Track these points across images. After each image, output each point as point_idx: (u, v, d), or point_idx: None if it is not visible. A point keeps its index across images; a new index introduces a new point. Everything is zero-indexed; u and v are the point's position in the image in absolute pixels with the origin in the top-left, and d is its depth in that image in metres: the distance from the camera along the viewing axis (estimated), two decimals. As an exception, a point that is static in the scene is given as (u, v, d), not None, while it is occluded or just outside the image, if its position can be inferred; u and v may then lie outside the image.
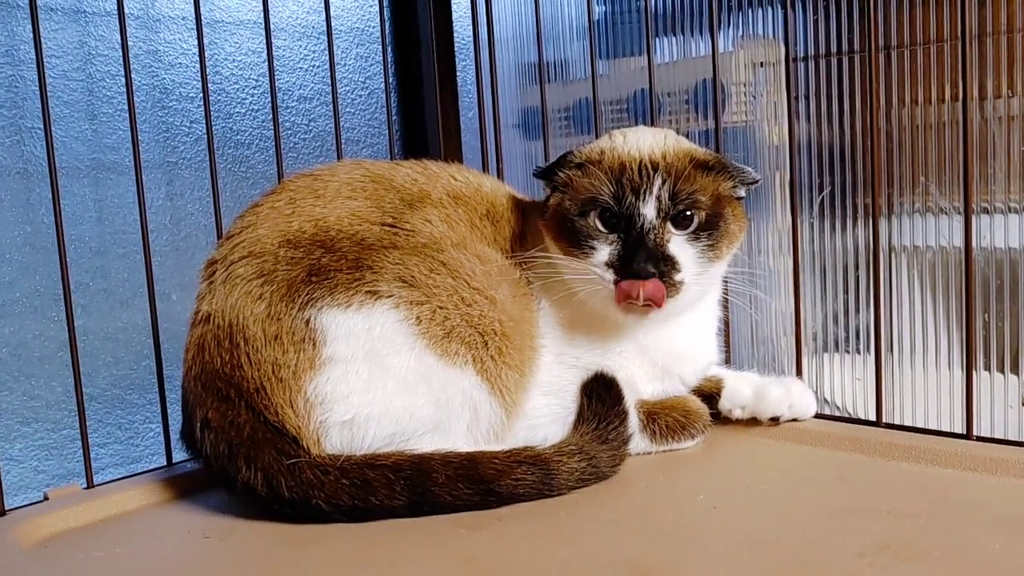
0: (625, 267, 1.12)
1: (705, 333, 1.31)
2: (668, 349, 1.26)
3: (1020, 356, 1.36)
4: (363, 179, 1.23)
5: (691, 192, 1.15)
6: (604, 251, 1.15)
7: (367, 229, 1.16)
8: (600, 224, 1.16)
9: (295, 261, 1.12)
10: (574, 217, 1.18)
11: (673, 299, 1.14)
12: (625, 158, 1.18)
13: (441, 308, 1.11)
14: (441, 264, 1.14)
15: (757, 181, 1.23)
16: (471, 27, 1.71)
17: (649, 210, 1.14)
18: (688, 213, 1.15)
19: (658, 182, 1.15)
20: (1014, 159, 1.34)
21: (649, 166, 1.16)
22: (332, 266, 1.11)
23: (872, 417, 1.30)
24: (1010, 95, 1.32)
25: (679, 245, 1.15)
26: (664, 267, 1.13)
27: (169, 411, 1.37)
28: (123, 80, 1.38)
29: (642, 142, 1.20)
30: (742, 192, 1.23)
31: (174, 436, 1.31)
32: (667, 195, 1.14)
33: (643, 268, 1.11)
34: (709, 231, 1.16)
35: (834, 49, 1.47)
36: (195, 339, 1.15)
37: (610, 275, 1.14)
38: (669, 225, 1.15)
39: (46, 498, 1.24)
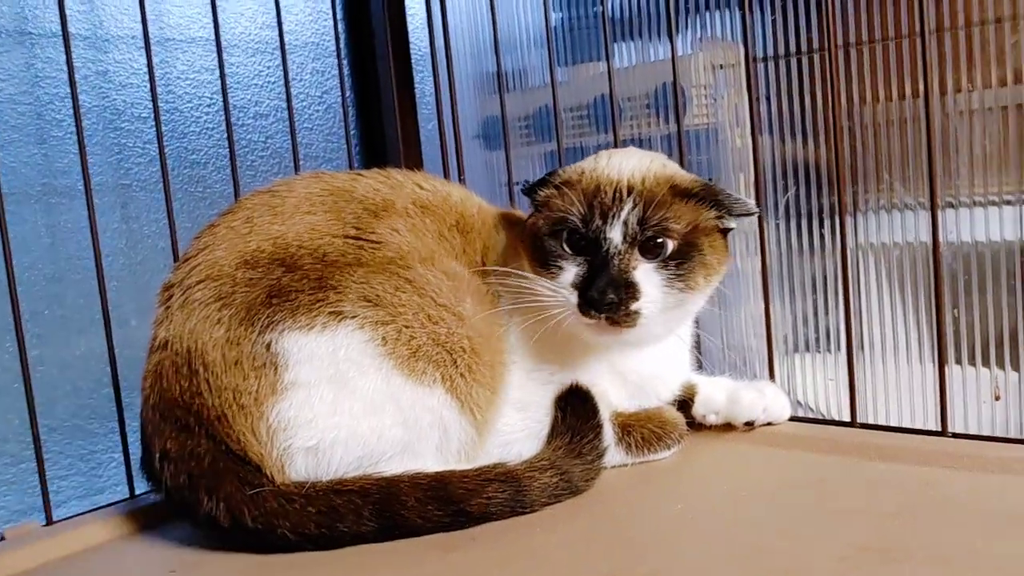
0: (585, 291, 1.10)
1: (680, 353, 1.29)
2: (643, 372, 1.25)
3: (991, 349, 1.36)
4: (322, 192, 1.20)
5: (662, 219, 1.12)
6: (571, 272, 1.13)
7: (329, 243, 1.13)
8: (568, 246, 1.14)
9: (254, 282, 1.09)
10: (545, 236, 1.16)
11: (630, 329, 1.11)
12: (602, 180, 1.16)
13: (407, 327, 1.08)
14: (407, 281, 1.11)
15: (752, 213, 1.19)
16: (427, 37, 1.69)
17: (615, 234, 1.12)
18: (658, 240, 1.12)
19: (628, 207, 1.12)
20: (976, 153, 1.34)
21: (623, 190, 1.13)
22: (293, 286, 1.08)
23: (846, 417, 1.30)
24: (970, 89, 1.32)
25: (646, 273, 1.12)
26: (625, 295, 1.09)
27: (130, 440, 1.34)
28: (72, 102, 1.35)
29: (624, 165, 1.17)
30: (731, 223, 1.19)
31: (136, 466, 1.28)
32: (635, 220, 1.11)
33: (602, 295, 1.08)
34: (679, 260, 1.12)
35: (793, 49, 1.46)
36: (152, 367, 1.11)
37: (574, 297, 1.11)
38: (636, 252, 1.12)
39: (2, 538, 1.20)
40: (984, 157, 1.33)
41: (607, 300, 1.08)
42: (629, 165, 1.17)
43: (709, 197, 1.16)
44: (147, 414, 1.11)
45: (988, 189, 1.34)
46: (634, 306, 1.10)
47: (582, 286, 1.11)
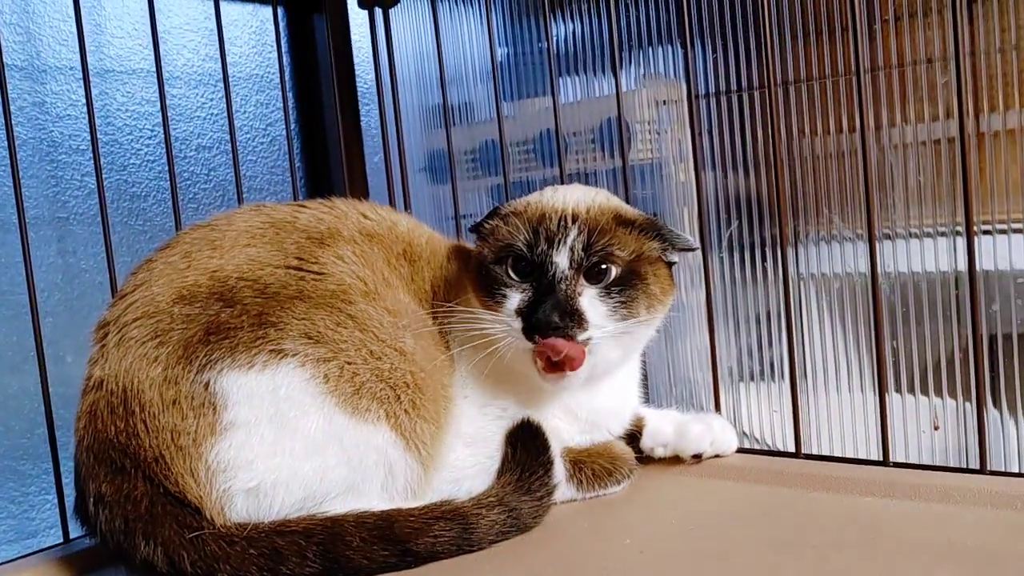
0: (531, 315, 1.09)
1: (630, 387, 1.30)
2: (594, 407, 1.24)
3: (929, 377, 1.39)
4: (263, 224, 1.18)
5: (607, 245, 1.12)
6: (515, 299, 1.13)
7: (270, 273, 1.11)
8: (513, 272, 1.14)
9: (191, 319, 1.06)
10: (490, 265, 1.16)
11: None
12: (547, 209, 1.16)
13: (350, 363, 1.07)
14: (348, 317, 1.09)
15: (692, 248, 1.20)
16: (373, 70, 1.69)
17: (562, 259, 1.12)
18: (603, 266, 1.12)
19: (573, 232, 1.12)
20: (911, 186, 1.37)
21: (569, 217, 1.14)
22: (232, 323, 1.05)
23: (791, 447, 1.31)
24: (905, 122, 1.36)
25: (591, 300, 1.12)
26: (570, 321, 1.09)
27: (65, 482, 1.29)
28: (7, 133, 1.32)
29: (569, 197, 1.18)
30: (674, 257, 1.20)
31: (71, 510, 1.23)
32: (581, 246, 1.12)
33: (548, 317, 1.08)
34: (623, 288, 1.13)
35: (734, 86, 1.49)
36: (87, 407, 1.08)
37: (518, 323, 1.11)
38: (582, 278, 1.12)
39: (-73, 586, 1.15)
40: (919, 190, 1.36)
41: (552, 323, 1.08)
42: (574, 197, 1.18)
43: (652, 229, 1.17)
44: (81, 456, 1.07)
45: (923, 221, 1.37)
46: (581, 336, 1.10)
47: (527, 311, 1.10)
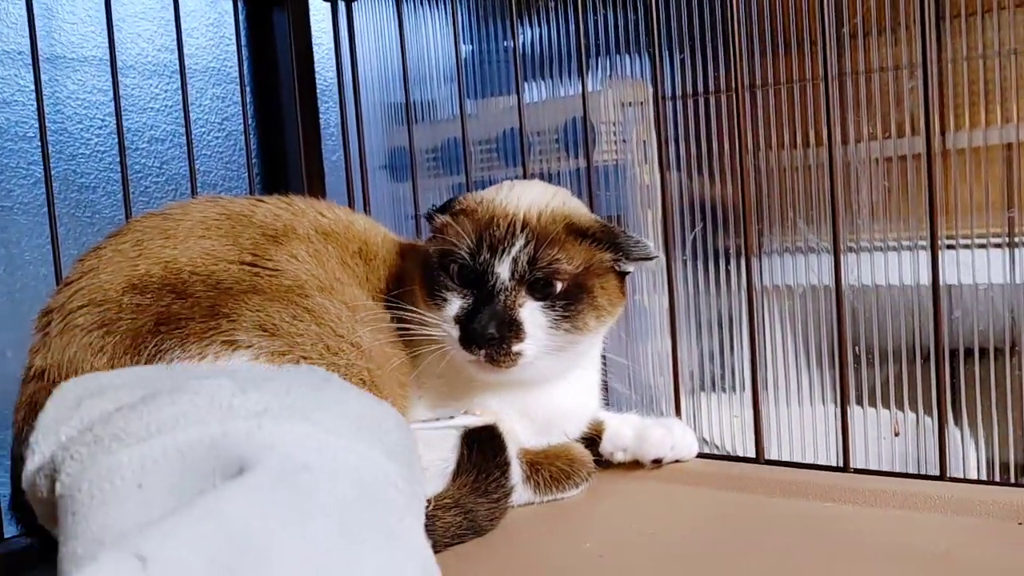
0: (468, 324, 1.08)
1: (588, 389, 1.27)
2: (549, 409, 1.22)
3: (890, 389, 1.39)
4: (219, 216, 1.15)
5: (553, 259, 1.10)
6: (455, 305, 1.11)
7: (224, 269, 1.07)
8: (456, 278, 1.12)
9: (141, 309, 1.02)
10: (434, 267, 1.14)
11: (510, 369, 1.10)
12: (497, 212, 1.14)
13: (305, 358, 1.03)
14: (305, 310, 1.06)
15: (651, 258, 1.17)
16: (334, 67, 1.66)
17: (503, 270, 1.09)
18: (547, 280, 1.10)
19: (519, 243, 1.10)
20: (876, 200, 1.38)
21: (517, 225, 1.11)
22: (183, 314, 1.02)
23: (752, 454, 1.30)
24: (871, 138, 1.37)
25: (531, 312, 1.10)
26: (507, 332, 1.08)
27: (1, 480, 1.24)
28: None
29: (523, 198, 1.15)
30: (629, 267, 1.17)
31: (6, 507, 1.18)
32: (526, 258, 1.09)
33: (484, 329, 1.06)
34: (568, 302, 1.10)
35: (701, 89, 1.48)
36: (26, 398, 1.03)
37: (456, 331, 1.09)
38: (524, 290, 1.10)
39: None
40: (884, 204, 1.37)
41: (488, 335, 1.07)
42: (528, 198, 1.15)
43: (607, 239, 1.14)
44: (18, 450, 1.03)
45: (888, 235, 1.38)
46: (516, 347, 1.08)
47: (464, 320, 1.09)
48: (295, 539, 0.65)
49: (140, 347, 1.00)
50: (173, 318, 1.01)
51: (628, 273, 1.19)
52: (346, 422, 0.76)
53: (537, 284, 1.10)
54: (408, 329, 1.14)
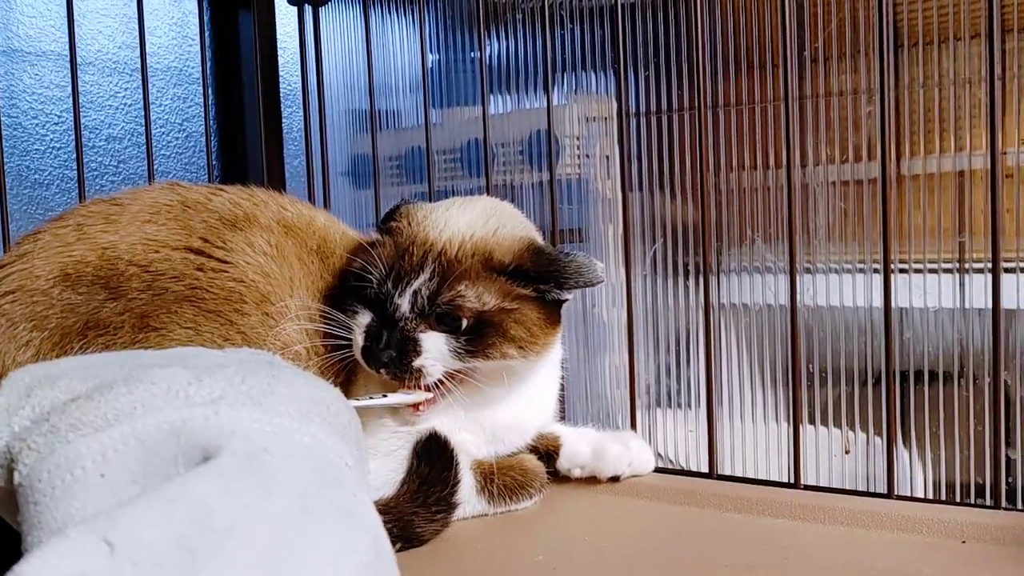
0: (369, 343, 1.07)
1: (538, 402, 1.25)
2: (496, 421, 1.20)
3: (842, 409, 1.42)
4: (171, 202, 1.11)
5: (456, 295, 1.06)
6: (366, 317, 1.09)
7: (164, 258, 1.04)
8: (364, 299, 1.10)
9: (72, 308, 0.99)
10: (349, 280, 1.12)
11: (420, 383, 1.09)
12: (417, 239, 1.11)
13: None
14: (238, 333, 1.04)
15: (594, 284, 1.12)
16: (299, 71, 1.65)
17: (404, 303, 1.07)
18: (448, 316, 1.08)
19: (422, 277, 1.07)
20: (832, 222, 1.40)
21: (430, 256, 1.09)
22: (113, 321, 0.99)
23: (705, 469, 1.31)
24: (829, 162, 1.39)
25: (434, 340, 1.07)
26: (407, 348, 1.06)
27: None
28: None
29: (450, 224, 1.12)
30: (565, 296, 1.13)
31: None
32: (427, 292, 1.07)
33: (379, 353, 1.06)
34: (472, 336, 1.08)
35: (665, 106, 1.50)
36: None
37: (361, 340, 1.08)
38: (426, 323, 1.08)
39: None
40: (840, 227, 1.40)
41: (384, 358, 1.06)
42: (455, 226, 1.12)
43: (535, 271, 1.10)
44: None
45: (843, 257, 1.41)
46: (416, 362, 1.07)
47: (367, 336, 1.08)
48: (259, 518, 0.65)
49: (66, 348, 0.97)
50: (102, 324, 0.99)
51: (564, 301, 1.16)
52: (298, 405, 0.78)
53: (442, 317, 1.08)
54: (333, 332, 1.12)
